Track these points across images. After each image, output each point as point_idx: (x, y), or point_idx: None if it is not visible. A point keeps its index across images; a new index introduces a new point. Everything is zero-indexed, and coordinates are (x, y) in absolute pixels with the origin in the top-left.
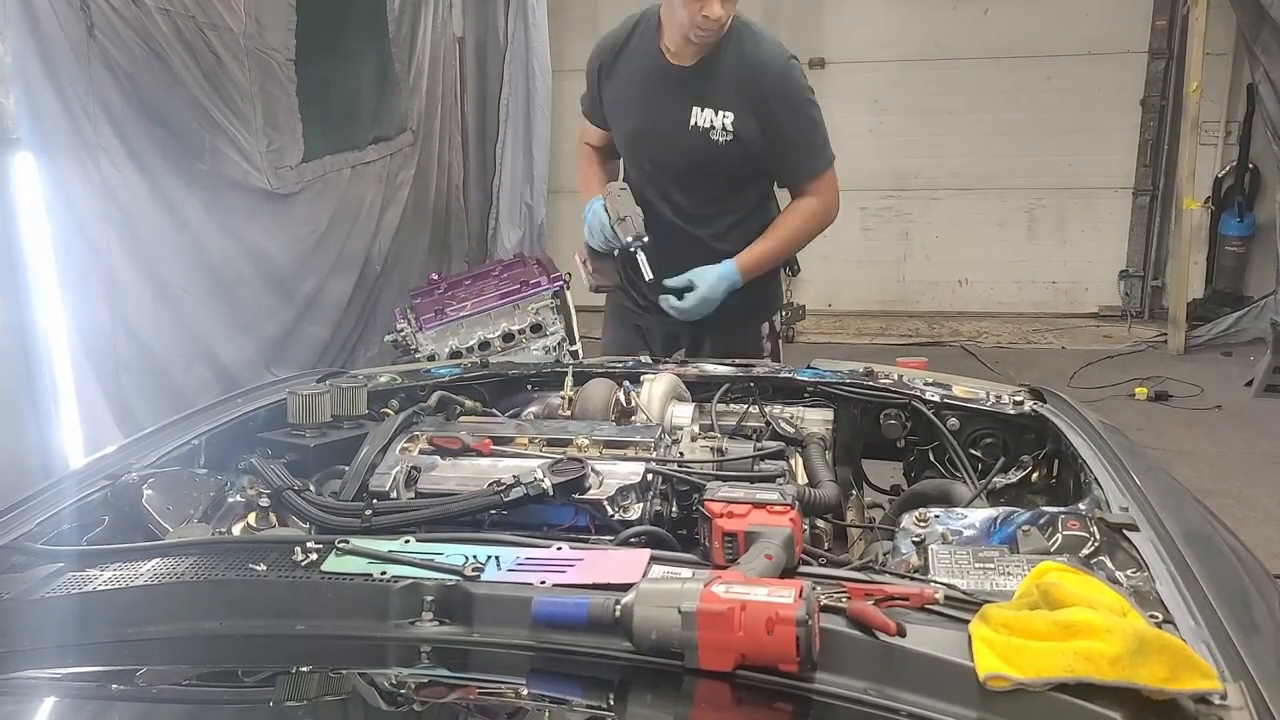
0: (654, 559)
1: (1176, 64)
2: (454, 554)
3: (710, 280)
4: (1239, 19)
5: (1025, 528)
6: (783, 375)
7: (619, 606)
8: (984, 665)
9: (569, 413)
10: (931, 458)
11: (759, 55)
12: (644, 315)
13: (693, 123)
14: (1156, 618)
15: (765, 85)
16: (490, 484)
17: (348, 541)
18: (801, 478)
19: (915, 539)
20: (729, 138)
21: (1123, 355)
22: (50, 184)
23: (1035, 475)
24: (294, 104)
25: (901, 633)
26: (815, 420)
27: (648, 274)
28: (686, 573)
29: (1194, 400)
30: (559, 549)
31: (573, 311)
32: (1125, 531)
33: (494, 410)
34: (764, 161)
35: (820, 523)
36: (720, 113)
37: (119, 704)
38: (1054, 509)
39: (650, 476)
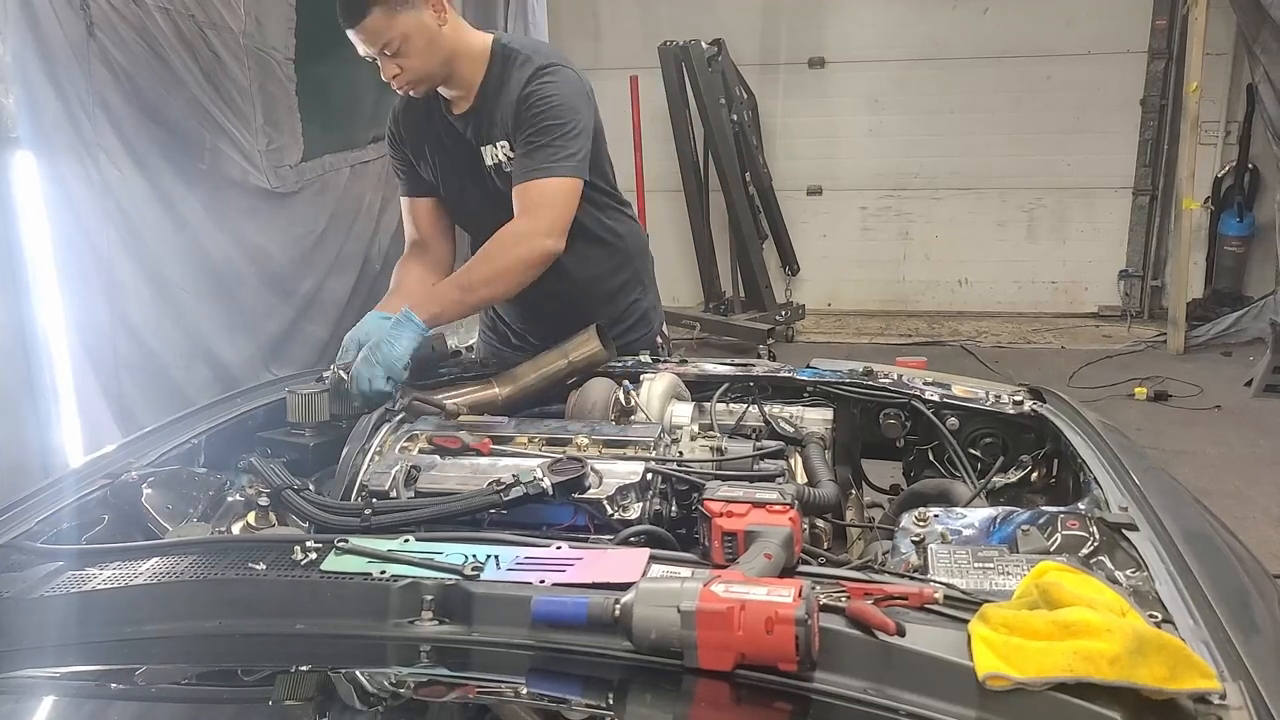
0: (653, 558)
1: (1176, 64)
2: (453, 553)
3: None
4: (1239, 19)
5: (1024, 527)
6: (782, 375)
7: (618, 606)
8: (983, 665)
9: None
10: (931, 457)
11: (510, 78)
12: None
13: (487, 162)
14: (1156, 617)
15: (517, 101)
16: (490, 483)
17: (347, 541)
18: (801, 477)
19: (915, 538)
20: (511, 169)
21: (1122, 355)
22: (50, 183)
23: (1035, 475)
24: (293, 103)
25: (901, 632)
26: (815, 420)
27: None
28: (686, 572)
29: (1193, 400)
30: (558, 548)
31: None
32: (1124, 531)
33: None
34: None
35: (820, 522)
36: (499, 144)
37: (118, 703)
38: (1053, 509)
39: (650, 476)
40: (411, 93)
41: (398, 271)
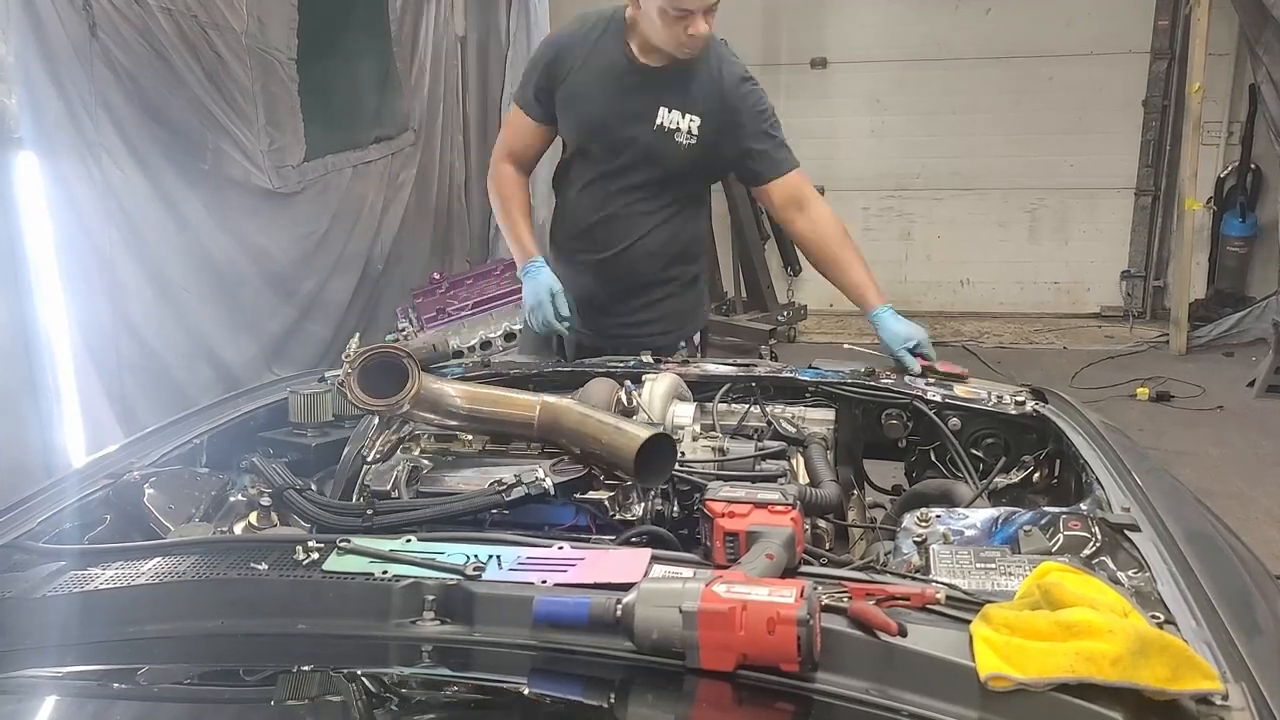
0: (655, 558)
1: (1179, 64)
2: (455, 553)
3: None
4: (1241, 19)
5: (1027, 528)
6: (784, 375)
7: (620, 606)
8: (985, 665)
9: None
10: (933, 458)
11: (731, 69)
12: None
13: (658, 122)
14: (1158, 618)
15: (734, 96)
16: (491, 483)
17: (349, 541)
18: (803, 477)
19: (917, 539)
20: (692, 141)
21: (1124, 355)
22: (52, 183)
23: (1037, 475)
24: (296, 103)
25: (903, 633)
26: (817, 420)
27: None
28: (688, 572)
29: (1196, 401)
30: (560, 548)
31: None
32: (1127, 532)
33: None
34: (722, 166)
35: (822, 522)
36: (687, 116)
37: (120, 703)
38: (1055, 509)
39: None
40: (693, 53)
41: (515, 202)
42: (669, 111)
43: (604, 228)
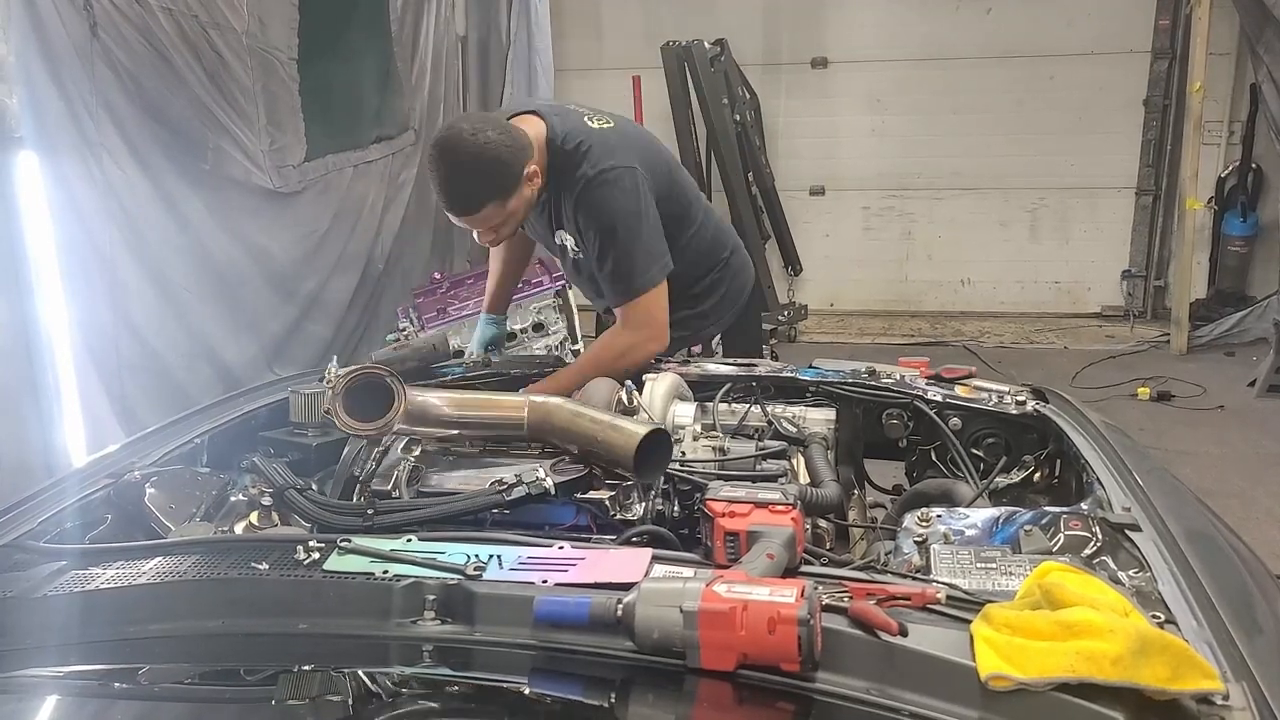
0: (656, 558)
1: (1179, 64)
2: (456, 553)
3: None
4: (1242, 19)
5: (1027, 528)
6: (785, 375)
7: (621, 606)
8: (986, 665)
9: None
10: (933, 457)
11: (571, 177)
12: None
13: (559, 243)
14: (1158, 618)
15: (574, 206)
16: (492, 483)
17: (350, 540)
18: (803, 477)
19: (917, 539)
20: (579, 256)
21: (1125, 355)
22: (53, 183)
23: (1037, 475)
24: (297, 103)
25: (903, 632)
26: (817, 420)
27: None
28: (688, 572)
29: (1196, 400)
30: (561, 548)
31: (575, 311)
32: (1127, 531)
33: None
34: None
35: (822, 522)
36: (569, 236)
37: (121, 702)
38: (1056, 509)
39: None
40: (493, 245)
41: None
42: (557, 231)
43: None
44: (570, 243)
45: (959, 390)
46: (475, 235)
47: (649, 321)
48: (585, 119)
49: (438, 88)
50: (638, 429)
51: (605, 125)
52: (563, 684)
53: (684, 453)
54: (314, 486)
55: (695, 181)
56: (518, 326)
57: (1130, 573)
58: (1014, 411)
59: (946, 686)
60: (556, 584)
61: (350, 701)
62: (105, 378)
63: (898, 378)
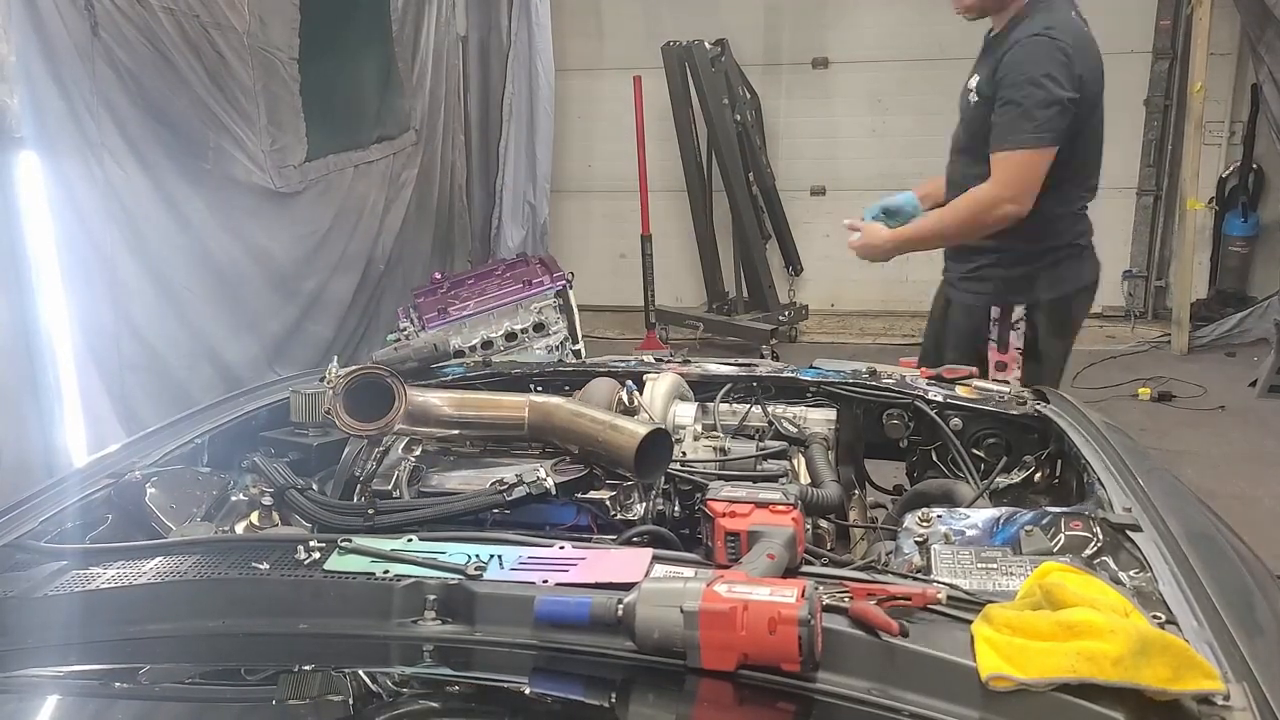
0: (656, 558)
1: (1180, 64)
2: (456, 553)
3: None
4: (1243, 19)
5: (1028, 528)
6: (785, 375)
7: (621, 606)
8: (987, 665)
9: None
10: (934, 458)
11: (1018, 27)
12: None
13: (966, 85)
14: (1159, 618)
15: (1005, 52)
16: (493, 483)
17: (350, 540)
18: (804, 477)
19: (918, 539)
20: (976, 99)
21: (1126, 355)
22: (54, 183)
23: (1038, 475)
24: (297, 103)
25: (904, 633)
26: (818, 420)
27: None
28: (689, 572)
29: (1197, 401)
30: (561, 548)
31: (575, 311)
32: (1128, 532)
33: None
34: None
35: (823, 522)
36: (975, 76)
37: (122, 702)
38: (1057, 509)
39: None
40: (965, 13)
41: None
42: (971, 76)
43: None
44: (975, 81)
45: (960, 390)
46: None
47: (1018, 180)
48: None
49: (438, 88)
50: (638, 429)
51: (1080, 22)
52: (563, 684)
53: (685, 453)
54: (314, 486)
55: (1097, 160)
56: (518, 326)
57: (1131, 573)
58: (1015, 412)
59: (947, 687)
60: (557, 584)
61: (351, 701)
62: (106, 377)
63: (898, 378)
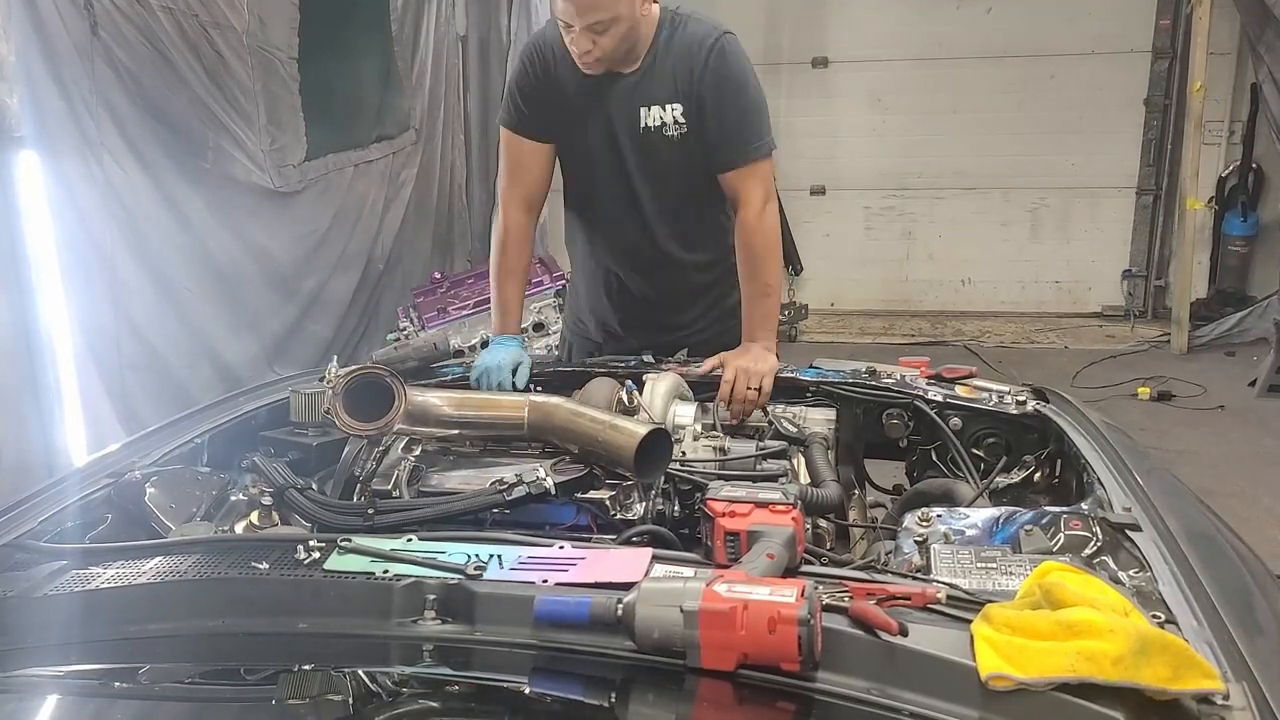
0: (656, 558)
1: (1180, 63)
2: (456, 553)
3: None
4: (1242, 18)
5: (1028, 527)
6: (785, 375)
7: (621, 605)
8: (986, 665)
9: None
10: (934, 457)
11: (686, 38)
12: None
13: (643, 124)
14: (1159, 618)
15: (696, 67)
16: (493, 483)
17: (350, 540)
18: (804, 477)
19: (918, 538)
20: (682, 130)
21: (1126, 355)
22: (54, 182)
23: (1038, 475)
24: (297, 102)
25: (904, 632)
26: (818, 420)
27: None
28: (689, 572)
29: (1197, 400)
30: (561, 548)
31: None
32: (1128, 531)
33: None
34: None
35: (823, 522)
36: (668, 107)
37: (122, 702)
38: (1056, 509)
39: None
40: (587, 71)
41: (512, 277)
42: (649, 109)
43: (642, 261)
44: (671, 115)
45: (959, 390)
46: (578, 44)
47: (771, 187)
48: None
49: (438, 87)
50: (638, 429)
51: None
52: (563, 684)
53: (684, 452)
54: (314, 486)
55: None
56: None
57: (1130, 572)
58: (1014, 411)
59: (947, 686)
60: (557, 584)
61: (350, 701)
62: (106, 377)
63: (898, 378)
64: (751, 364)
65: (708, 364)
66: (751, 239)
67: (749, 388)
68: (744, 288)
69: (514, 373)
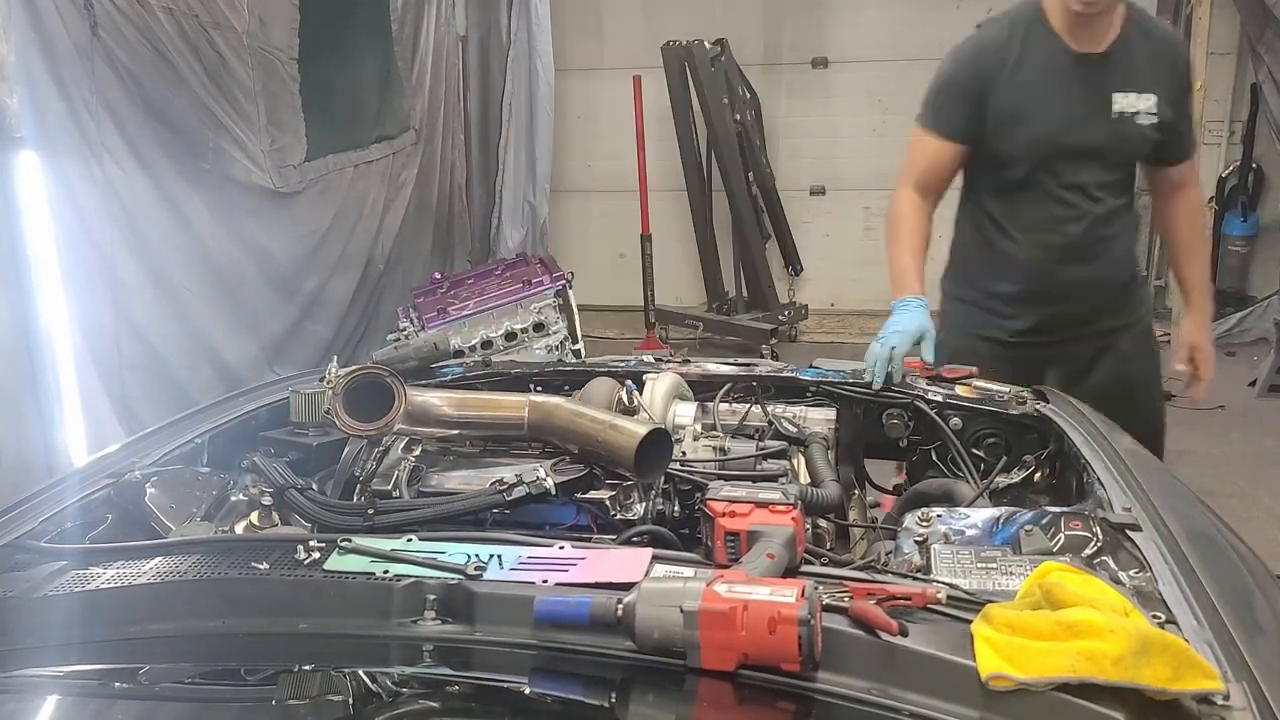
0: (656, 558)
1: None
2: (456, 553)
3: None
4: (1243, 18)
5: (1028, 528)
6: (785, 375)
7: (621, 606)
8: (986, 665)
9: None
10: (934, 457)
11: (1164, 33)
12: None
13: (1116, 109)
14: (1159, 618)
15: (1177, 63)
16: (493, 483)
17: (350, 540)
18: (804, 477)
19: (918, 539)
20: (1154, 120)
21: None
22: (54, 183)
23: (1038, 475)
24: (297, 103)
25: (904, 632)
26: (818, 419)
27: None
28: (689, 572)
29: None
30: (561, 548)
31: (575, 311)
32: (1128, 531)
33: None
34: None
35: (823, 522)
36: (1143, 95)
37: (121, 702)
38: (1057, 509)
39: None
40: (1094, 9)
41: (912, 243)
42: (1124, 95)
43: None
44: (1145, 104)
45: (959, 390)
46: None
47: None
48: None
49: (438, 87)
50: (638, 429)
51: None
52: (563, 684)
53: (684, 452)
54: (314, 486)
55: None
56: (518, 326)
57: (1131, 573)
58: (1014, 411)
59: (947, 686)
60: (557, 584)
61: (350, 701)
62: (106, 377)
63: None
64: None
65: (1181, 354)
66: (1199, 218)
67: None
68: (1195, 262)
69: (919, 343)
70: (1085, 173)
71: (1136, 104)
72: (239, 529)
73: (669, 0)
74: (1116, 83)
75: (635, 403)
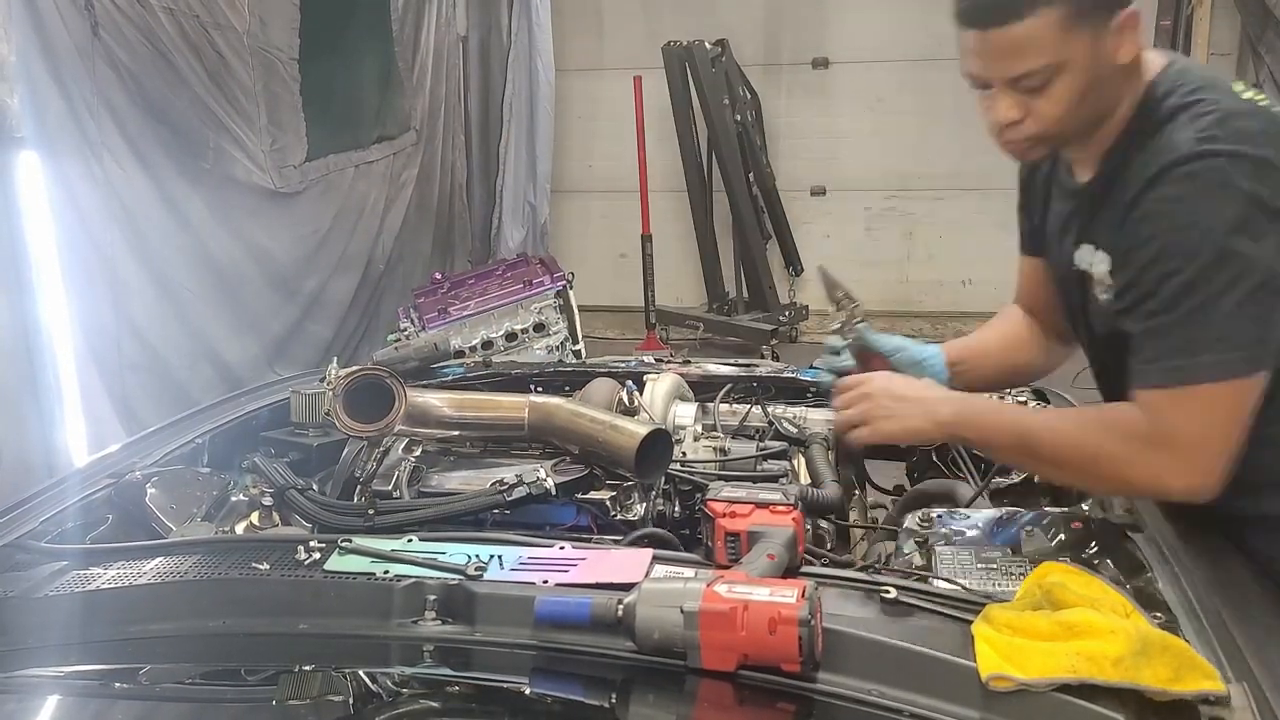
0: (656, 559)
1: None
2: (457, 553)
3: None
4: (1243, 19)
5: (1028, 528)
6: (785, 375)
7: (621, 606)
8: (987, 665)
9: None
10: (935, 458)
11: (1151, 145)
12: None
13: (1075, 265)
14: (1159, 619)
15: (1137, 197)
16: (493, 483)
17: (350, 541)
18: (804, 478)
19: (918, 539)
20: (1108, 294)
21: None
22: (54, 183)
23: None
24: (298, 103)
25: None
26: (818, 420)
27: None
28: (689, 572)
29: None
30: (561, 548)
31: (575, 311)
32: (1128, 532)
33: None
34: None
35: (823, 523)
36: (1098, 251)
37: (122, 702)
38: (1057, 509)
39: None
40: (1015, 154)
41: (995, 321)
42: (1080, 247)
43: None
44: (1101, 268)
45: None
46: (997, 109)
47: (1187, 441)
48: (1230, 82)
49: (439, 88)
50: (638, 429)
51: (1259, 99)
52: (563, 684)
53: (685, 453)
54: (315, 487)
55: None
56: (518, 326)
57: (1131, 573)
58: None
59: (947, 687)
60: (557, 584)
61: (351, 701)
62: (106, 377)
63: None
64: (887, 384)
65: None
66: (1094, 426)
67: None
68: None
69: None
70: (1080, 340)
71: (1090, 262)
72: (239, 529)
73: (669, 0)
74: (1083, 228)
75: (635, 403)
